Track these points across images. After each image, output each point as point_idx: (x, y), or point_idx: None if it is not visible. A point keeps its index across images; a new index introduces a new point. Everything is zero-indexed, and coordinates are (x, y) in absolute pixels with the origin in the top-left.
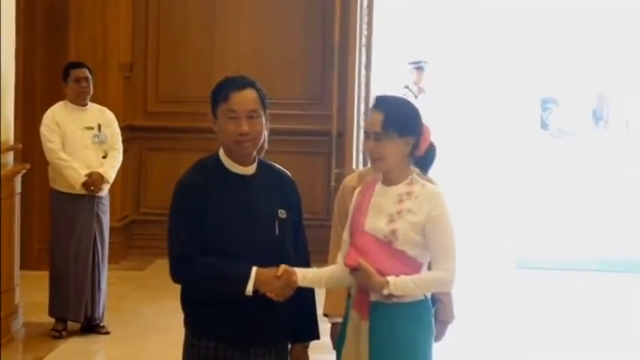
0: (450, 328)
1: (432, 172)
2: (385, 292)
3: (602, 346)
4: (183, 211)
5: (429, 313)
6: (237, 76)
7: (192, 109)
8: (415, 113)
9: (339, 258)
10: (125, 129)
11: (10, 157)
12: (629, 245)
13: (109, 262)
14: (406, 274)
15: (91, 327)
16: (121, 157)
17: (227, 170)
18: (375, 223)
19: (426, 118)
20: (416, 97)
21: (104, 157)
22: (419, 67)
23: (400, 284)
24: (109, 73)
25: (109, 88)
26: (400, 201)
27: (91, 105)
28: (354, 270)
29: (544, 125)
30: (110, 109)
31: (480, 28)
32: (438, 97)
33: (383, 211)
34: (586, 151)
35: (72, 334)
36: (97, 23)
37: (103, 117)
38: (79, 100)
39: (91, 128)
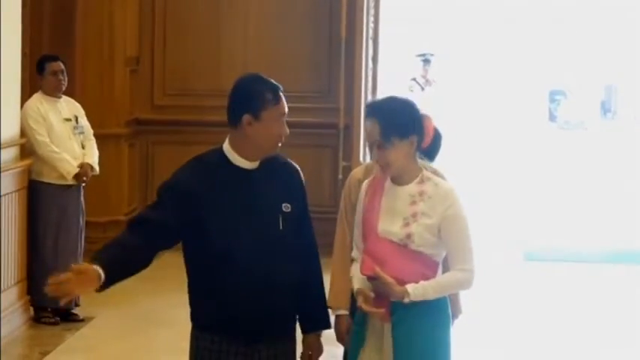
0: (458, 321)
1: (439, 165)
2: (406, 300)
3: (612, 339)
4: (159, 201)
5: (447, 305)
6: (264, 77)
7: (199, 103)
8: (410, 111)
9: (355, 267)
10: (132, 122)
11: (17, 152)
12: (639, 237)
13: None
14: (424, 274)
15: (67, 315)
16: (96, 147)
17: (230, 164)
18: (390, 226)
19: (432, 110)
20: (423, 89)
21: (82, 147)
22: (426, 60)
23: (420, 291)
24: (115, 67)
25: (115, 82)
26: (414, 202)
27: (63, 97)
28: (372, 279)
29: (552, 117)
30: (117, 102)
31: (488, 20)
32: (445, 89)
33: (396, 213)
34: (594, 143)
35: (78, 328)
36: (104, 17)
37: (77, 109)
38: (56, 92)
39: (69, 120)
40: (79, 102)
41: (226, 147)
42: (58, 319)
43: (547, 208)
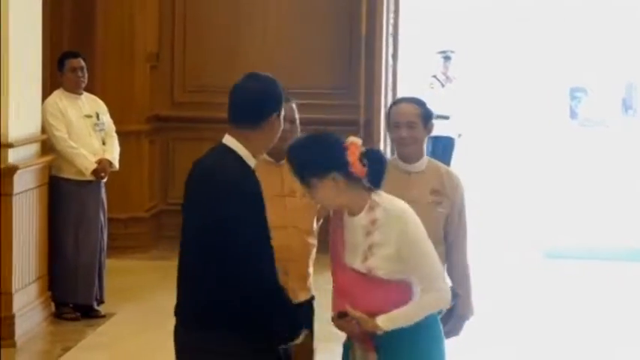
0: (477, 319)
1: (459, 162)
2: (380, 332)
3: (631, 337)
4: (263, 228)
5: (435, 322)
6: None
7: (219, 100)
8: (324, 147)
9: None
10: (152, 119)
11: (38, 148)
12: None
13: (137, 252)
14: (396, 301)
15: (88, 311)
16: (117, 143)
17: (246, 163)
18: (353, 260)
19: (453, 108)
20: (443, 86)
21: (103, 143)
22: (446, 57)
23: (390, 322)
24: (135, 64)
25: (135, 78)
26: (368, 233)
27: (84, 93)
28: (343, 316)
29: (573, 114)
30: (137, 99)
31: (509, 17)
32: (466, 86)
33: (357, 246)
34: (615, 141)
35: (100, 323)
36: (124, 13)
37: (98, 105)
38: (76, 89)
39: (90, 116)
40: (99, 99)
41: (237, 146)
42: (79, 314)
43: (567, 205)
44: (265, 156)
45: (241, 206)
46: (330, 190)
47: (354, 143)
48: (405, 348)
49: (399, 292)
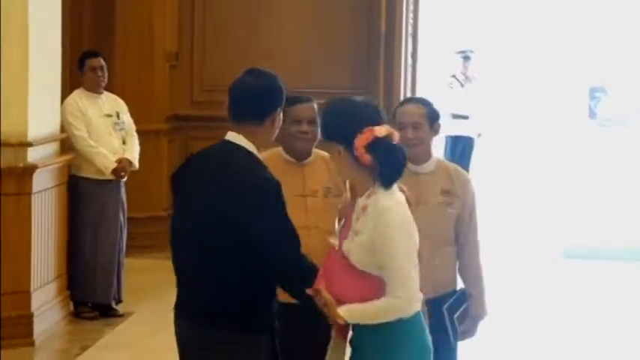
0: (494, 320)
1: (479, 162)
2: (340, 321)
3: None
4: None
5: (416, 334)
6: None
7: None
8: (336, 116)
9: None
10: (171, 118)
11: (57, 147)
12: None
13: (155, 252)
14: (363, 296)
15: (107, 310)
16: (138, 143)
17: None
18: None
19: (472, 107)
20: (462, 85)
21: (123, 143)
22: (466, 57)
23: (348, 314)
24: (155, 63)
25: (155, 78)
26: (357, 218)
27: (105, 93)
28: (315, 294)
29: (592, 114)
30: (156, 98)
31: (529, 16)
32: (485, 86)
33: (352, 228)
34: (635, 141)
35: (118, 323)
36: (144, 13)
37: (118, 105)
38: (96, 89)
39: (110, 116)
40: (119, 98)
41: (245, 142)
42: (97, 313)
43: (587, 205)
44: (286, 155)
45: (266, 198)
46: (336, 162)
47: (372, 130)
48: (378, 355)
49: (373, 287)
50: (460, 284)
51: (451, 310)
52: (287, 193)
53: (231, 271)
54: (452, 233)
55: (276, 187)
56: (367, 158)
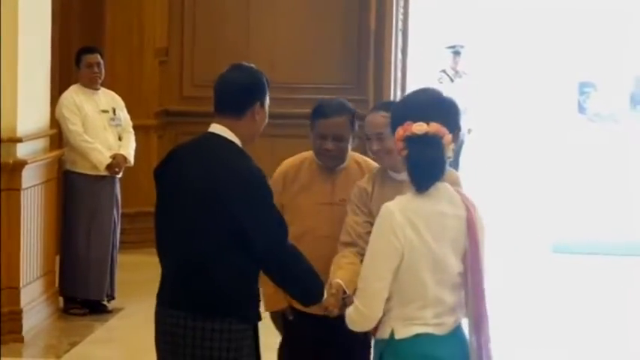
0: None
1: (468, 158)
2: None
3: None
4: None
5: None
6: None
7: None
8: (399, 104)
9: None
10: (161, 114)
11: (47, 143)
12: None
13: (144, 247)
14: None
15: (96, 306)
16: (134, 139)
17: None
18: None
19: (462, 103)
20: (452, 80)
21: (119, 139)
22: (456, 52)
23: (348, 314)
24: (144, 58)
25: (144, 73)
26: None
27: (101, 89)
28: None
29: (582, 109)
30: (145, 94)
31: (518, 11)
32: (475, 81)
33: None
34: (624, 136)
35: (107, 319)
36: (133, 8)
37: (115, 101)
38: (92, 85)
39: (106, 112)
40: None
41: (228, 133)
42: (87, 310)
43: (575, 200)
44: (318, 161)
45: (251, 187)
46: None
47: (416, 125)
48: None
49: None
50: None
51: None
52: (315, 199)
53: (214, 259)
54: None
55: (261, 176)
56: (400, 150)
